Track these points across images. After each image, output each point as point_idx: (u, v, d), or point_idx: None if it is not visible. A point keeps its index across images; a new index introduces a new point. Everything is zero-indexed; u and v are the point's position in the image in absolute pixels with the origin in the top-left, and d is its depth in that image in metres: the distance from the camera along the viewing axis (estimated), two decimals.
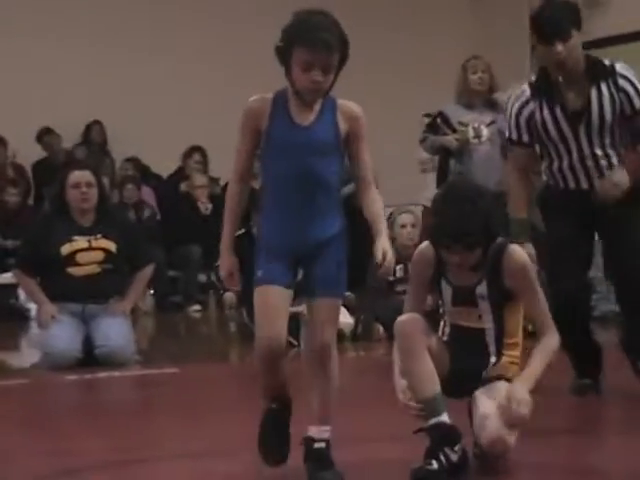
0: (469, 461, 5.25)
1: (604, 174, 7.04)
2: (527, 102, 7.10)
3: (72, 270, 9.70)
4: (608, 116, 6.95)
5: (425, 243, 5.42)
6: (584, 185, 7.12)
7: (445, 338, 5.43)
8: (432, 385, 5.25)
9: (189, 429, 6.85)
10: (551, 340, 5.38)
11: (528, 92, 7.10)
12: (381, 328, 10.23)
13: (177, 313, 14.32)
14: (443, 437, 5.21)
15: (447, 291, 5.40)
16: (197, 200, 15.13)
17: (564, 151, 7.09)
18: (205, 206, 15.16)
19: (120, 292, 9.87)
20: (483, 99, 11.12)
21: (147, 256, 10.25)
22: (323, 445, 5.21)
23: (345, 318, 10.51)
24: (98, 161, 14.11)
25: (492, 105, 11.07)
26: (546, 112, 7.02)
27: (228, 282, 5.57)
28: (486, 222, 5.21)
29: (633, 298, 7.18)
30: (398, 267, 10.64)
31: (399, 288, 10.32)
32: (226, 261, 5.42)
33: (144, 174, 16.03)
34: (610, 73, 6.94)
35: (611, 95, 6.93)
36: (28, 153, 15.69)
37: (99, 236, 9.75)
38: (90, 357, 9.57)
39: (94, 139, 15.99)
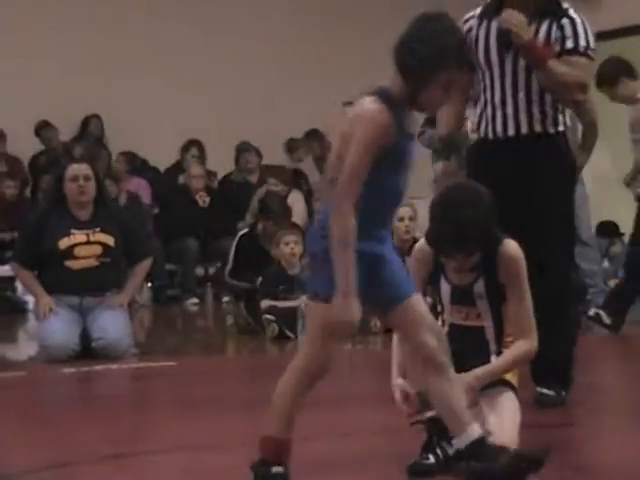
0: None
1: (524, 125, 6.52)
2: (472, 17, 6.68)
3: (70, 263, 9.71)
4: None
5: (424, 240, 5.39)
6: (507, 132, 6.57)
7: (446, 331, 5.40)
8: None
9: (185, 422, 6.85)
10: (527, 346, 5.30)
11: (478, 11, 6.69)
12: (378, 322, 10.22)
13: (174, 306, 14.33)
14: (440, 431, 5.19)
15: (445, 289, 5.37)
16: (195, 193, 15.12)
17: (489, 83, 6.57)
18: (203, 199, 15.16)
19: (118, 285, 9.88)
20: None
21: (145, 250, 10.26)
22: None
23: None
24: (95, 154, 14.08)
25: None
26: (482, 31, 6.59)
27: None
28: (486, 227, 5.17)
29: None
30: None
31: None
32: (354, 307, 4.65)
33: (141, 167, 16.03)
34: (560, 11, 6.56)
35: (549, 31, 6.53)
36: (26, 146, 15.68)
37: (97, 230, 9.76)
38: (87, 350, 9.59)
39: (91, 132, 16.00)
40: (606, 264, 13.59)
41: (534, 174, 6.50)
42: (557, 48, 6.47)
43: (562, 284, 6.60)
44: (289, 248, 10.75)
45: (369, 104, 4.66)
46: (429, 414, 5.18)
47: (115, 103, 15.56)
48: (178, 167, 15.74)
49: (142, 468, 5.70)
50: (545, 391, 6.60)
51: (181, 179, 15.42)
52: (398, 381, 5.26)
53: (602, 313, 10.26)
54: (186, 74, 15.87)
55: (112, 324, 9.64)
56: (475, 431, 4.81)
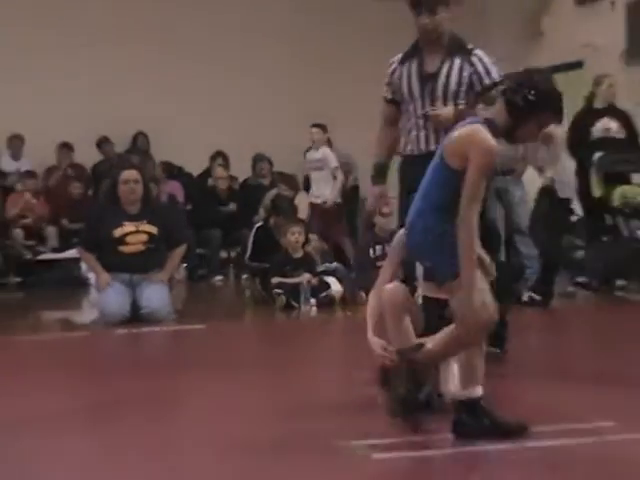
0: (432, 401, 5.24)
1: (433, 143, 6.20)
2: (395, 62, 6.39)
3: (122, 248, 9.74)
4: (452, 85, 6.23)
5: (403, 230, 5.39)
6: (429, 148, 6.21)
7: (419, 303, 5.42)
8: (409, 339, 5.25)
9: (212, 372, 6.85)
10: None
11: (400, 56, 6.41)
12: (364, 295, 10.21)
13: (203, 282, 14.32)
14: (413, 381, 5.18)
15: (419, 270, 5.38)
16: (221, 193, 15.12)
17: (412, 111, 6.31)
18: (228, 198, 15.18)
19: (160, 265, 9.88)
20: None
21: (181, 238, 10.29)
22: None
23: (336, 287, 10.58)
24: (143, 163, 14.05)
25: None
26: (405, 70, 6.32)
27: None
28: None
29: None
30: (378, 247, 10.68)
31: (379, 264, 10.31)
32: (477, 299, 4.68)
33: (178, 173, 16.03)
34: (467, 51, 6.30)
35: (461, 68, 6.24)
36: (89, 156, 15.71)
37: (144, 222, 9.79)
38: (136, 316, 9.60)
39: (139, 146, 15.97)
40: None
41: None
42: (477, 87, 6.23)
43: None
44: (294, 237, 10.76)
45: (485, 134, 4.68)
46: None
47: (158, 122, 15.53)
48: (207, 173, 15.72)
49: (177, 408, 5.71)
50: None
51: (209, 182, 15.39)
52: (375, 338, 5.28)
53: (533, 295, 10.24)
54: (214, 99, 15.81)
55: (155, 296, 9.67)
56: (478, 392, 4.81)
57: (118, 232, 9.71)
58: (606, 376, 6.29)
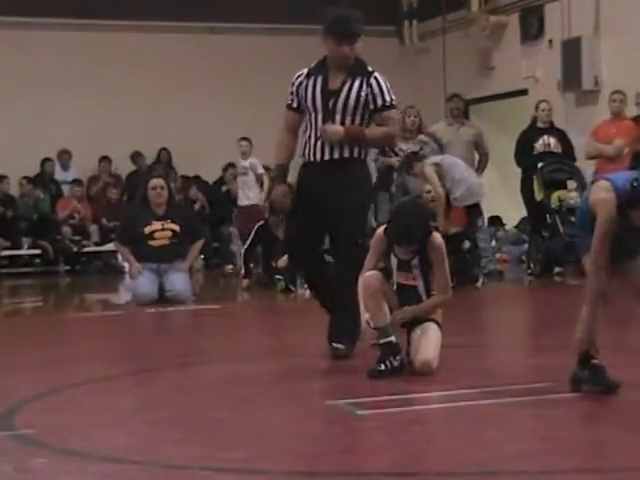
0: (404, 367, 5.25)
1: (336, 152, 5.84)
2: (301, 75, 5.96)
3: (151, 242, 9.72)
4: (351, 102, 5.80)
5: (382, 228, 5.40)
6: (324, 157, 5.86)
7: (394, 288, 5.41)
8: (385, 317, 5.26)
9: (227, 341, 6.85)
10: (445, 296, 5.36)
11: (306, 70, 5.99)
12: None
13: (217, 270, 14.29)
14: (389, 350, 5.21)
15: (394, 262, 5.37)
16: (232, 198, 15.06)
17: (313, 121, 5.88)
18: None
19: (182, 256, 9.86)
20: (415, 135, 11.18)
21: (199, 234, 10.28)
22: None
23: None
24: (167, 173, 14.02)
25: (420, 141, 11.14)
26: (311, 83, 5.89)
27: None
28: (424, 229, 5.23)
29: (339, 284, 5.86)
30: None
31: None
32: None
33: (196, 181, 16.00)
34: (368, 73, 5.88)
35: (360, 88, 5.81)
36: (125, 167, 15.71)
37: (169, 221, 9.78)
38: (162, 298, 9.58)
39: (163, 159, 15.94)
40: (494, 243, 13.56)
41: (341, 183, 5.82)
42: (371, 106, 5.83)
43: (353, 262, 5.64)
44: None
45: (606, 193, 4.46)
46: (385, 340, 5.22)
47: (179, 140, 15.52)
48: (221, 181, 15.67)
49: (200, 374, 5.70)
50: (337, 345, 5.81)
51: (223, 188, 15.35)
52: (366, 315, 5.26)
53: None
54: (226, 119, 15.74)
55: (178, 281, 9.66)
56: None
57: (147, 229, 9.72)
58: (544, 346, 6.30)
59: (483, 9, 14.73)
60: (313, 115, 5.89)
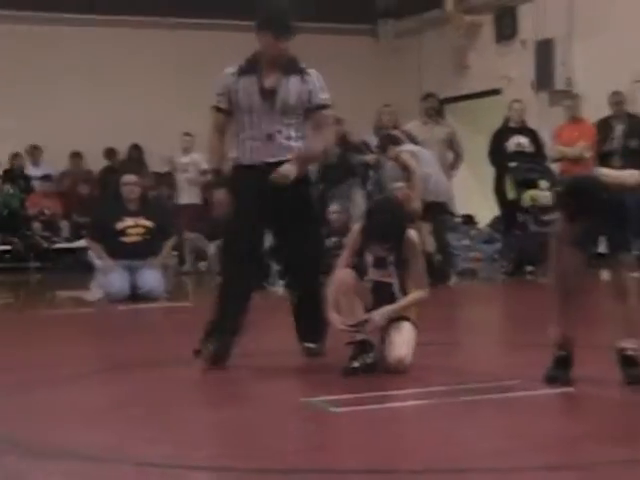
0: (378, 364, 5.26)
1: (279, 154, 5.58)
2: (232, 75, 5.66)
3: (124, 239, 9.71)
4: (291, 101, 5.56)
5: (358, 225, 5.40)
6: (265, 159, 5.59)
7: (369, 286, 5.41)
8: (357, 315, 5.26)
9: (198, 339, 6.82)
10: (422, 293, 5.35)
11: (236, 68, 5.68)
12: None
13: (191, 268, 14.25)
14: (363, 348, 5.22)
15: (369, 258, 5.37)
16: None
17: (249, 122, 5.60)
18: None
19: (155, 253, 9.84)
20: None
21: (172, 231, 10.24)
22: (632, 352, 4.69)
23: None
24: (139, 169, 13.95)
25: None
26: (244, 83, 5.59)
27: None
28: (400, 227, 5.24)
29: (300, 285, 5.80)
30: (334, 239, 10.68)
31: (334, 252, 10.28)
32: None
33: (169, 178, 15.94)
34: (303, 69, 5.63)
35: (297, 85, 5.58)
36: (97, 163, 15.61)
37: (142, 217, 9.76)
38: (134, 295, 9.55)
39: (134, 156, 15.88)
40: (467, 242, 13.61)
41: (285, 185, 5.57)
42: (306, 103, 5.60)
43: (315, 255, 5.77)
44: None
45: None
46: (360, 337, 5.22)
47: (151, 136, 15.46)
48: None
49: (172, 372, 5.67)
50: (309, 344, 5.77)
51: None
52: (334, 315, 5.26)
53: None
54: (198, 115, 15.66)
55: (151, 278, 9.64)
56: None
57: (120, 225, 9.69)
58: (516, 343, 6.32)
59: (458, 8, 14.78)
60: (249, 117, 5.60)
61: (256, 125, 5.58)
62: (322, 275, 5.77)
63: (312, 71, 5.67)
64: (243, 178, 5.63)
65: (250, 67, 5.64)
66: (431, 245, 9.98)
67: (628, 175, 4.96)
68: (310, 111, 5.63)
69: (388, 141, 10.29)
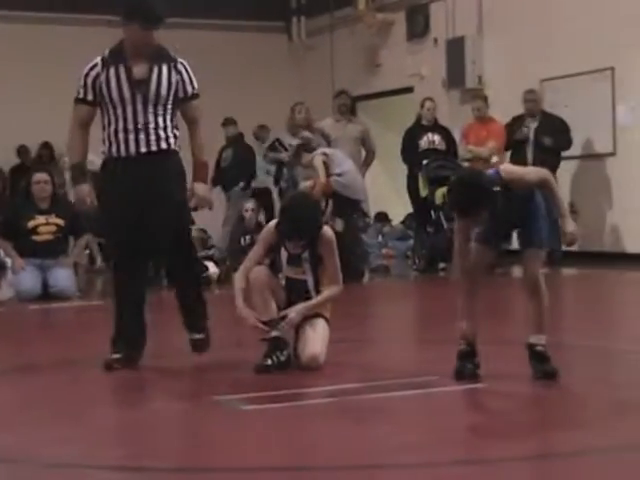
0: (291, 361, 5.27)
1: (153, 144, 5.42)
2: (96, 65, 5.44)
3: (35, 237, 9.58)
4: (163, 91, 5.39)
5: (273, 222, 5.40)
6: (139, 150, 5.41)
7: (283, 283, 5.42)
8: (271, 312, 5.27)
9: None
10: (335, 289, 5.37)
11: (100, 58, 5.48)
12: None
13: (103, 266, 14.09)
14: (276, 345, 5.22)
15: (284, 255, 5.38)
16: None
17: (121, 114, 5.40)
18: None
19: (66, 252, 9.75)
20: (303, 130, 11.26)
21: (83, 229, 10.11)
22: (542, 348, 4.81)
23: (213, 269, 10.52)
24: (51, 167, 13.73)
25: (311, 132, 11.24)
26: (112, 74, 5.40)
27: None
28: (315, 223, 5.27)
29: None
30: (248, 237, 10.68)
31: (248, 251, 10.27)
32: None
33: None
34: (172, 59, 5.47)
35: (169, 75, 5.41)
36: (8, 161, 15.32)
37: (53, 215, 9.65)
38: (46, 294, 9.44)
39: (46, 154, 15.64)
40: (380, 238, 13.71)
41: (161, 175, 5.44)
42: (180, 94, 5.45)
43: (188, 248, 5.64)
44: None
45: None
46: (274, 334, 5.23)
47: (58, 135, 15.22)
48: None
49: (83, 372, 5.60)
50: (194, 335, 5.71)
51: None
52: (245, 310, 5.25)
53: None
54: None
55: (63, 277, 9.55)
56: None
57: (31, 224, 9.58)
58: (428, 340, 6.39)
59: (370, 7, 14.87)
60: (120, 108, 5.39)
61: (128, 116, 5.40)
62: (196, 266, 5.83)
63: (182, 61, 5.52)
64: (116, 171, 5.44)
65: (116, 58, 5.45)
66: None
67: (529, 171, 5.05)
68: (182, 102, 5.49)
69: (299, 150, 10.42)
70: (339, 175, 10.21)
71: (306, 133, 11.14)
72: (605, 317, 7.64)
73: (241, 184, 12.78)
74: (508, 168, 4.89)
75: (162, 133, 5.43)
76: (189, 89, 5.50)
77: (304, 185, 10.28)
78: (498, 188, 4.60)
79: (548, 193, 4.76)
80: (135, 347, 5.54)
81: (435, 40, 14.09)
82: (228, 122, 13.31)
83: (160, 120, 5.43)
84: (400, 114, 13.63)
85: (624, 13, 11.49)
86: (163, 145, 5.44)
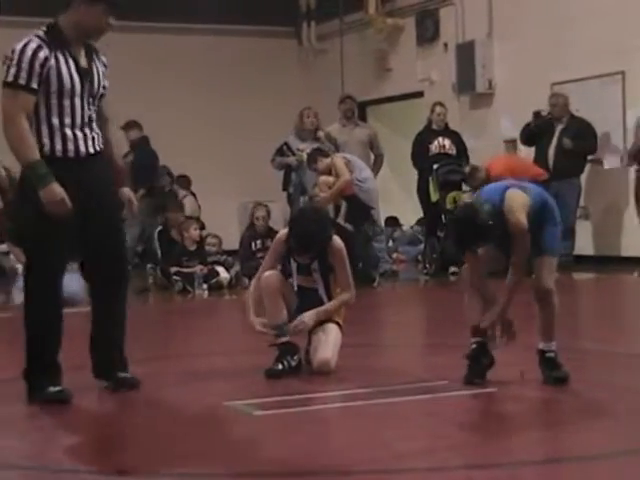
0: (302, 366, 5.26)
1: (97, 143, 4.80)
2: (41, 47, 4.59)
3: None
4: (103, 83, 4.83)
5: (284, 232, 5.42)
6: (89, 150, 4.76)
7: (295, 290, 5.42)
8: (282, 317, 5.27)
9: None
10: (347, 295, 5.40)
11: (38, 39, 4.61)
12: (247, 280, 10.17)
13: None
14: (287, 350, 5.22)
15: (294, 265, 5.41)
16: None
17: (69, 106, 4.67)
18: None
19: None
20: (312, 134, 11.25)
21: None
22: (552, 354, 4.84)
23: (224, 273, 10.51)
24: None
25: (317, 139, 11.22)
26: (62, 61, 4.62)
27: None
28: (323, 237, 5.27)
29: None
30: (259, 241, 10.67)
31: (258, 255, 10.29)
32: None
33: None
34: (96, 49, 4.86)
35: (102, 66, 4.84)
36: None
37: None
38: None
39: None
40: (390, 243, 13.68)
41: (105, 180, 4.84)
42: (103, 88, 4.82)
43: (126, 259, 5.29)
44: (197, 232, 10.74)
45: None
46: (283, 340, 5.23)
47: None
48: None
49: (92, 377, 5.60)
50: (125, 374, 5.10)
51: None
52: (256, 318, 5.29)
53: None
54: None
55: (71, 282, 9.51)
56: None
57: None
58: (439, 344, 6.38)
59: (380, 12, 14.86)
60: (70, 100, 4.67)
61: (76, 110, 4.70)
62: (125, 291, 5.28)
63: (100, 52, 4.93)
64: (62, 174, 4.60)
65: (56, 41, 4.67)
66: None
67: (517, 211, 4.70)
68: (102, 97, 4.86)
69: (316, 155, 10.39)
70: (360, 181, 10.24)
71: (319, 136, 11.15)
72: (620, 321, 7.61)
73: (141, 191, 11.47)
74: (512, 195, 4.77)
75: (98, 131, 4.85)
76: (107, 83, 4.88)
77: (315, 192, 10.27)
78: (492, 222, 4.58)
79: (515, 242, 4.67)
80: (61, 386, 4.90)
81: (445, 45, 14.08)
82: (130, 126, 12.03)
83: (94, 116, 4.81)
84: (410, 119, 13.61)
85: (634, 17, 11.46)
86: (101, 145, 4.86)
